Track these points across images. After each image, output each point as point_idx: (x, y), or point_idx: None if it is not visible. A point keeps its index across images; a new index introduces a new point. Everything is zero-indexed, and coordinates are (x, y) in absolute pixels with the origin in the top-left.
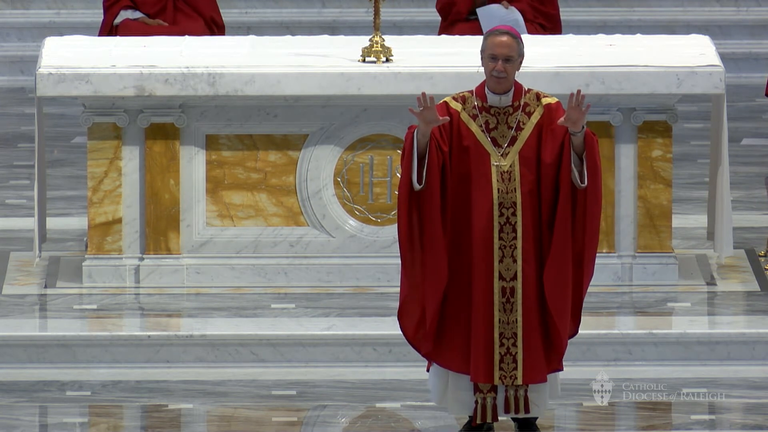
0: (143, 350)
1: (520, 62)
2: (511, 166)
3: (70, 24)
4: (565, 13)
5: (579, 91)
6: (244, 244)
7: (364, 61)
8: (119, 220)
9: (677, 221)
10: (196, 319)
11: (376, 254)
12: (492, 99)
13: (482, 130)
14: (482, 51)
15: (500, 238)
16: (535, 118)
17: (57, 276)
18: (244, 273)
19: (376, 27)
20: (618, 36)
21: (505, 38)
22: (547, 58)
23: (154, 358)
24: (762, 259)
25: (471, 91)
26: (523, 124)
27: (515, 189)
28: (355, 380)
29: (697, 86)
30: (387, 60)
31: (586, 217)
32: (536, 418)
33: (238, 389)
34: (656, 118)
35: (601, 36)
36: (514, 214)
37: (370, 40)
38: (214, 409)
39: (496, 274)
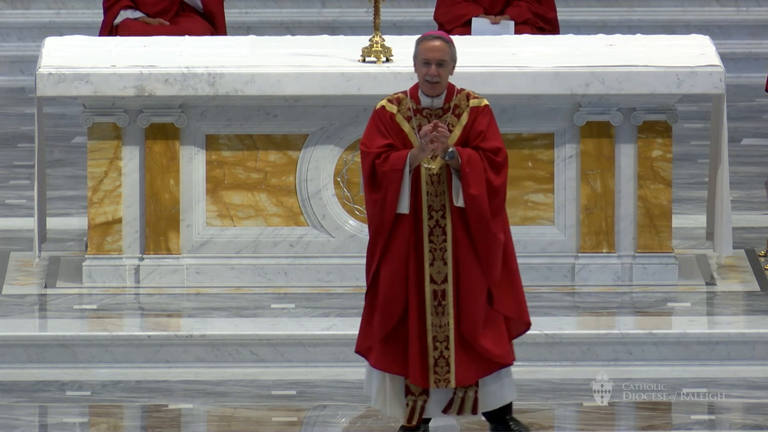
0: (143, 350)
1: (453, 66)
2: (440, 169)
3: (70, 24)
4: (565, 13)
5: (437, 123)
6: (244, 244)
7: (364, 61)
8: (119, 220)
9: (677, 221)
10: (196, 319)
11: None
12: (425, 101)
13: (415, 133)
14: (415, 56)
15: (431, 242)
16: (464, 119)
17: (57, 276)
18: (244, 273)
19: (376, 27)
20: (618, 36)
21: (437, 43)
22: (547, 58)
23: (154, 358)
24: (762, 259)
25: (406, 92)
26: (452, 126)
27: (444, 192)
28: (355, 380)
29: (697, 86)
30: (387, 60)
31: (474, 234)
32: (508, 412)
33: (238, 389)
34: (656, 118)
35: (601, 36)
36: (443, 217)
37: (370, 40)
38: (214, 409)
39: (427, 278)
